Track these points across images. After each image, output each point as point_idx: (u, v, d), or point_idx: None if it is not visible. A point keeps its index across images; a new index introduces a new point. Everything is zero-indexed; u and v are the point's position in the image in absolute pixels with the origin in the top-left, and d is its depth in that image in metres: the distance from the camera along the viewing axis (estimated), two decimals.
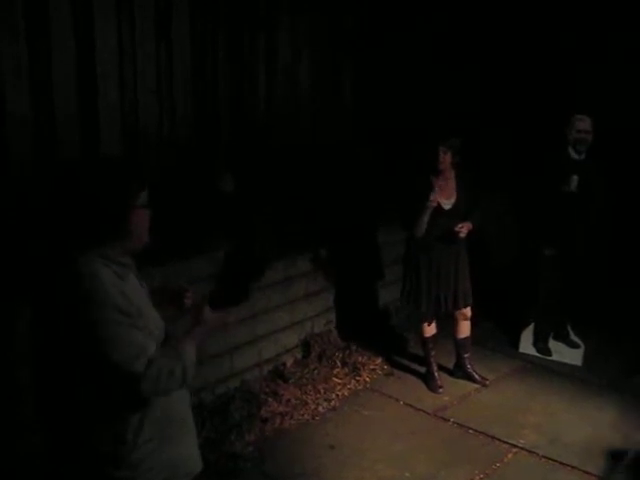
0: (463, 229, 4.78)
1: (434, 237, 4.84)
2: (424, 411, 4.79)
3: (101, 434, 2.13)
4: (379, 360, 5.44)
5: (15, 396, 3.55)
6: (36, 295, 2.17)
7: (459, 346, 5.22)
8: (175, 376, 2.10)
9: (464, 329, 5.17)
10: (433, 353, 5.17)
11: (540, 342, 5.72)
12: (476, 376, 5.20)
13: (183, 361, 2.12)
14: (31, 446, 3.53)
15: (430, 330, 5.14)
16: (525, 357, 5.65)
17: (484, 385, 5.17)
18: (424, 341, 5.19)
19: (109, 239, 2.12)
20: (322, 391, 4.95)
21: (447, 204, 4.87)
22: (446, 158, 4.80)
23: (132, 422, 2.14)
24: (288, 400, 4.77)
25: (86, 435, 2.15)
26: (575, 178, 5.24)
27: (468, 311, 5.11)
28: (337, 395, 4.94)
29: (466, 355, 5.22)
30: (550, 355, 5.66)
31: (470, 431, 4.56)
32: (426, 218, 4.75)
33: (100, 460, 2.15)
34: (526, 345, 5.76)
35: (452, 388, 5.10)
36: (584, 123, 5.26)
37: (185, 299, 2.49)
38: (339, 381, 5.11)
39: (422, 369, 5.28)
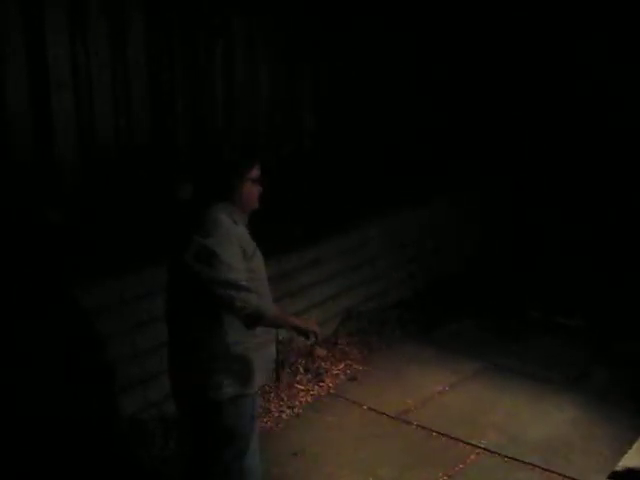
0: None
1: None
2: (387, 415, 4.80)
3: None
4: (342, 365, 5.44)
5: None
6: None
7: None
8: (252, 311, 2.85)
9: None
10: None
11: None
12: None
13: (267, 310, 2.93)
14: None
15: None
16: (487, 358, 5.68)
17: None
18: None
19: (228, 199, 2.99)
20: (285, 398, 4.93)
21: None
22: None
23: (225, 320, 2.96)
24: None
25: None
26: None
27: None
28: (300, 402, 4.93)
29: None
30: None
31: (433, 433, 4.58)
32: None
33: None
34: None
35: (415, 391, 5.11)
36: None
37: None
38: (302, 388, 5.09)
39: (386, 373, 5.27)
